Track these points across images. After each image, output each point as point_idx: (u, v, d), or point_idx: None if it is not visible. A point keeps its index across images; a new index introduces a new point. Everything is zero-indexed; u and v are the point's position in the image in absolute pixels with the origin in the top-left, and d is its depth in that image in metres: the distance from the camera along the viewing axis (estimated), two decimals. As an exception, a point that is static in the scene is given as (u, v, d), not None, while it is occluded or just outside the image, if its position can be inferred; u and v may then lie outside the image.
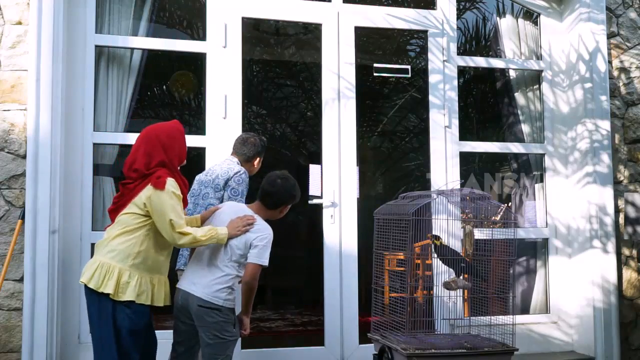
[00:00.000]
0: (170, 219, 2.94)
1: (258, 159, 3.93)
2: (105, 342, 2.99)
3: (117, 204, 3.09)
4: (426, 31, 4.79)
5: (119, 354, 2.96)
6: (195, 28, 5.41)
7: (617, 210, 4.81)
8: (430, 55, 4.76)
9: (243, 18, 4.47)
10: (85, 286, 3.01)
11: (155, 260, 3.04)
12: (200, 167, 4.15)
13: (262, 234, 3.12)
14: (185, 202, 3.16)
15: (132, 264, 2.98)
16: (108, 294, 2.94)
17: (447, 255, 3.75)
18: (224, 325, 3.08)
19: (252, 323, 4.51)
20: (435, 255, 3.80)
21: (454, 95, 4.76)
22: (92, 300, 3.03)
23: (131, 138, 3.90)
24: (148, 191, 2.97)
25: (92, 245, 4.06)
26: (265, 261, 3.10)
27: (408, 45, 7.30)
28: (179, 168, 3.20)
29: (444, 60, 4.76)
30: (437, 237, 3.75)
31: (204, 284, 3.10)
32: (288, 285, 7.55)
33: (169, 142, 3.09)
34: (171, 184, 2.99)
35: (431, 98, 4.74)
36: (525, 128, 5.11)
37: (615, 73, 4.96)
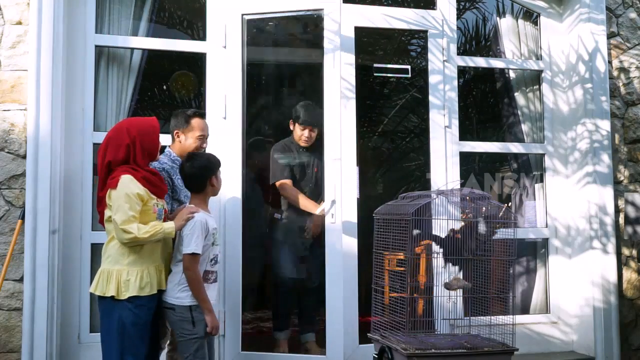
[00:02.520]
0: (111, 216, 3.02)
1: (175, 131, 3.66)
2: (108, 342, 3.06)
3: (101, 214, 3.20)
4: (426, 31, 4.78)
5: (122, 350, 3.01)
6: (195, 28, 5.41)
7: (617, 210, 4.81)
8: (430, 56, 4.75)
9: (243, 15, 4.42)
10: (98, 296, 3.13)
11: (151, 250, 3.12)
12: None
13: (189, 224, 3.15)
14: (160, 193, 3.20)
15: (127, 262, 3.07)
16: (112, 297, 3.04)
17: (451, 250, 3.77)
18: (181, 324, 3.14)
19: (252, 323, 4.49)
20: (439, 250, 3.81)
21: (454, 95, 4.76)
22: (100, 307, 3.15)
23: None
24: (108, 193, 3.08)
25: (92, 245, 4.07)
26: (192, 248, 3.11)
27: (409, 46, 7.30)
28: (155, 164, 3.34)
29: (444, 61, 4.76)
30: (457, 232, 3.78)
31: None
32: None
33: (138, 137, 3.13)
34: (124, 182, 3.04)
35: (431, 98, 4.73)
36: (525, 128, 5.11)
37: (615, 73, 4.96)
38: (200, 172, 3.28)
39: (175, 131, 3.68)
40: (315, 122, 4.59)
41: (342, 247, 4.36)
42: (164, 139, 3.96)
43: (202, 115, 3.76)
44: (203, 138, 3.71)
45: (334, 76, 4.46)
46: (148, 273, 3.07)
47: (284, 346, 4.69)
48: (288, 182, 4.73)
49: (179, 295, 3.14)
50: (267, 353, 4.44)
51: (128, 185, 3.03)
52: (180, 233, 3.17)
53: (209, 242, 3.20)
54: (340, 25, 4.34)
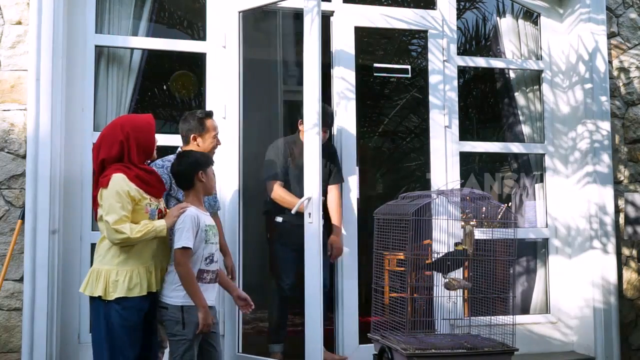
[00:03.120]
0: (102, 215, 2.96)
1: (192, 135, 3.67)
2: (98, 343, 3.03)
3: (96, 213, 3.13)
4: (426, 31, 4.78)
5: (111, 353, 2.96)
6: (196, 28, 5.41)
7: (617, 210, 4.81)
8: (430, 56, 4.75)
9: (240, 12, 4.38)
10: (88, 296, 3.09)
11: (140, 250, 3.05)
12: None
13: (179, 219, 3.11)
14: (156, 193, 3.16)
15: (117, 262, 3.01)
16: (100, 297, 2.99)
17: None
18: (172, 324, 3.10)
19: (252, 323, 4.46)
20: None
21: (454, 95, 4.76)
22: (91, 306, 3.11)
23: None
24: (99, 191, 3.02)
25: (92, 245, 4.04)
26: (182, 243, 3.05)
27: (409, 46, 7.30)
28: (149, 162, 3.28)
29: (444, 61, 4.76)
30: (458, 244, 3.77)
31: None
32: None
33: (133, 133, 3.07)
34: (116, 181, 2.97)
35: (431, 98, 4.74)
36: (525, 128, 5.11)
37: (615, 73, 4.95)
38: (186, 169, 3.24)
39: (192, 135, 3.66)
40: (326, 122, 4.34)
41: (320, 250, 3.94)
42: (165, 139, 3.97)
43: (211, 115, 3.77)
44: (217, 135, 3.76)
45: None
46: (138, 274, 3.01)
47: (278, 358, 4.49)
48: (277, 182, 4.51)
49: (172, 294, 3.10)
50: (264, 358, 4.38)
51: (120, 183, 2.96)
52: (172, 230, 3.14)
53: (201, 238, 3.15)
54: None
